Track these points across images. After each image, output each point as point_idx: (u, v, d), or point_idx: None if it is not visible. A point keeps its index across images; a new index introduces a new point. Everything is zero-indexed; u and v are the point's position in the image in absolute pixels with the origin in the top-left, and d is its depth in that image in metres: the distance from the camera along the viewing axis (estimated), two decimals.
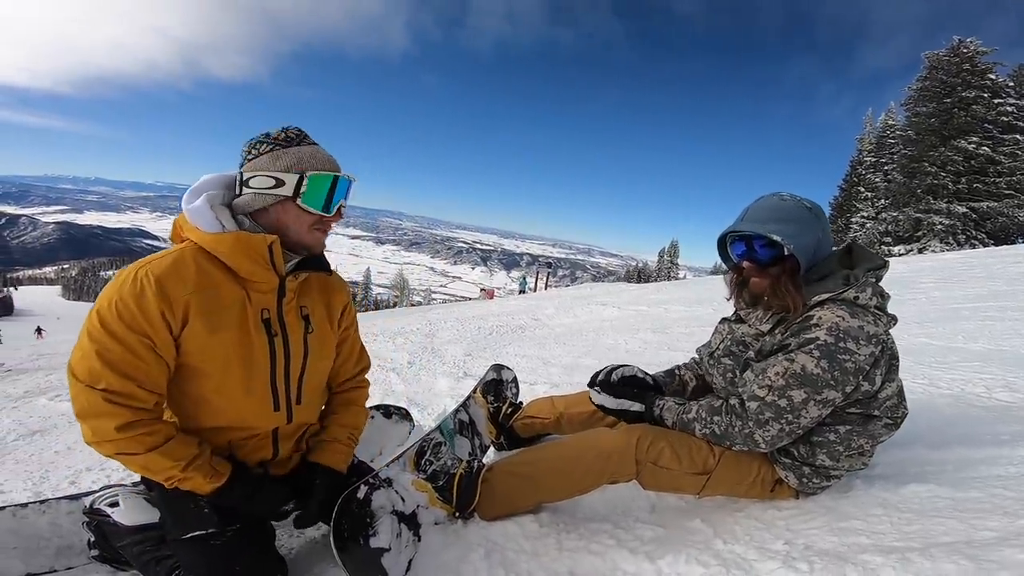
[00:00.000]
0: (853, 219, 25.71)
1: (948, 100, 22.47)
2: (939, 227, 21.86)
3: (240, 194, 1.31)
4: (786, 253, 1.43)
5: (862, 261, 1.51)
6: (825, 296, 1.40)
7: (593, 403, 1.75)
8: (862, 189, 26.54)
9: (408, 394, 3.53)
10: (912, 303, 5.66)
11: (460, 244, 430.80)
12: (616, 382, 1.76)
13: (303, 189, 1.27)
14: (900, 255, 18.60)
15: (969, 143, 21.83)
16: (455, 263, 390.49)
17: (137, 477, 1.53)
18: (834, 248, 1.54)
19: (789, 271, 1.44)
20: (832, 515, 1.45)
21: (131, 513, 1.44)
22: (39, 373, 7.53)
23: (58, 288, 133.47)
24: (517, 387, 2.36)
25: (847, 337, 1.34)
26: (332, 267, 1.49)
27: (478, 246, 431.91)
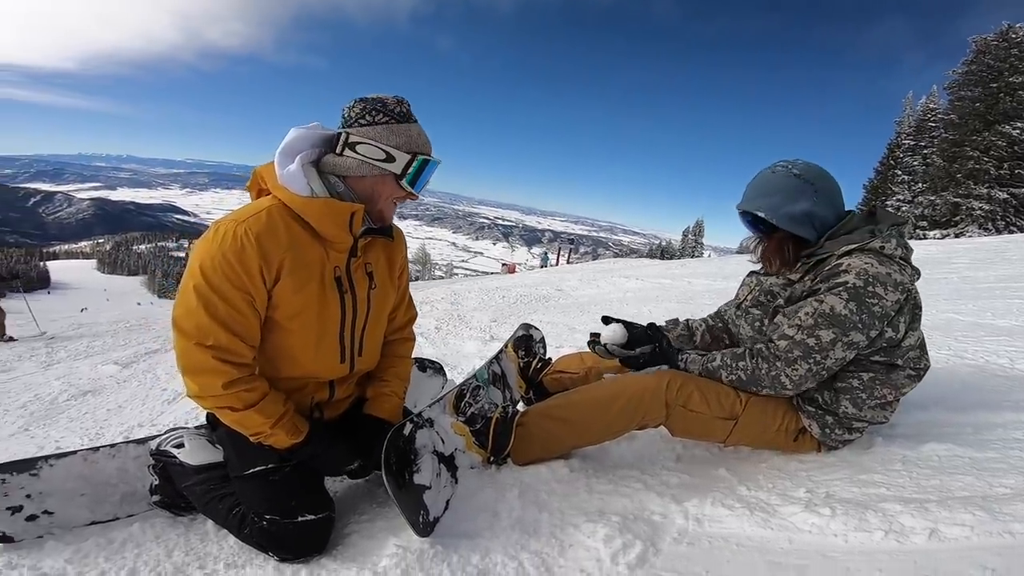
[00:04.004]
0: (888, 202, 25.05)
1: (994, 85, 21.65)
2: (978, 212, 21.18)
3: (340, 154, 1.34)
4: (775, 223, 1.54)
5: (886, 219, 1.58)
6: (852, 246, 1.47)
7: (607, 350, 1.79)
8: (899, 172, 25.81)
9: (437, 356, 3.63)
10: (944, 281, 5.57)
11: (482, 220, 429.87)
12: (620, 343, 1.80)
13: (410, 170, 1.34)
14: (937, 239, 18.15)
15: (1014, 128, 20.99)
16: (477, 238, 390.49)
17: (199, 419, 1.64)
18: (854, 210, 1.62)
19: (784, 237, 1.56)
20: (853, 468, 1.51)
21: (196, 453, 1.52)
22: (81, 340, 7.94)
23: (93, 262, 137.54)
24: (545, 347, 2.42)
25: (875, 282, 1.41)
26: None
27: (500, 222, 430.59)
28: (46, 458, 1.49)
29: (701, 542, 1.27)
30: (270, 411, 1.31)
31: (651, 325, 1.88)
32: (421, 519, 1.33)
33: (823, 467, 1.55)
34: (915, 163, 25.32)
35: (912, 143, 25.92)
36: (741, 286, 1.82)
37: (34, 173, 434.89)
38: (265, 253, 1.24)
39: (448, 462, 1.57)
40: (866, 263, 1.42)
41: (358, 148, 1.32)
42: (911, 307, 1.51)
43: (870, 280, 1.41)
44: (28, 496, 1.42)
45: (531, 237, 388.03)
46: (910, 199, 24.66)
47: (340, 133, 1.34)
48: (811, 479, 1.48)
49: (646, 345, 1.77)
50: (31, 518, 1.41)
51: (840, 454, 1.61)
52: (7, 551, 1.35)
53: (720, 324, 1.92)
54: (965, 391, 2.02)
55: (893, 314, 1.45)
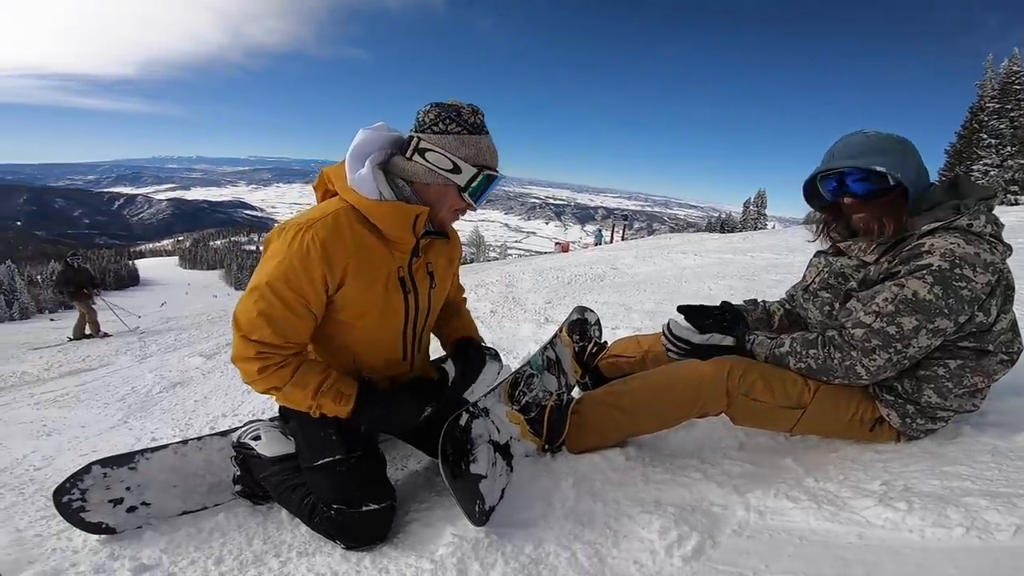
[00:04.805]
0: (974, 167, 23.37)
1: None
2: None
3: (410, 158, 1.36)
4: (891, 183, 1.38)
5: (971, 192, 1.43)
6: (936, 224, 1.35)
7: (671, 338, 1.69)
8: (984, 136, 23.92)
9: (493, 340, 3.68)
10: None
11: (533, 200, 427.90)
12: (693, 315, 1.75)
13: (474, 183, 1.35)
14: None
15: None
16: (529, 219, 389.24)
17: (274, 410, 1.74)
18: (935, 182, 1.48)
19: (896, 199, 1.40)
20: (936, 459, 1.40)
21: (271, 445, 1.62)
22: (170, 334, 8.58)
23: (175, 259, 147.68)
24: (600, 329, 2.38)
25: (963, 263, 1.29)
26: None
27: (551, 201, 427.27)
28: (142, 452, 1.62)
29: (762, 535, 1.23)
30: (304, 381, 1.34)
31: (725, 303, 1.81)
32: (477, 508, 1.35)
33: (902, 457, 1.45)
34: (1002, 126, 23.58)
35: (997, 106, 24.07)
36: (808, 267, 1.71)
37: (115, 178, 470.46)
38: (330, 259, 1.28)
39: (503, 451, 1.59)
40: (952, 243, 1.30)
41: (427, 155, 1.33)
42: (1003, 288, 1.37)
43: (957, 262, 1.28)
44: (128, 488, 1.55)
45: (584, 215, 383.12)
46: (999, 163, 23.06)
47: (412, 137, 1.36)
48: (888, 470, 1.39)
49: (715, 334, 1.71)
50: (131, 509, 1.54)
51: (922, 444, 1.50)
52: (110, 543, 1.47)
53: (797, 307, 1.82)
54: None
55: (984, 297, 1.32)
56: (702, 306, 1.80)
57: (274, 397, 1.41)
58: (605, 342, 2.21)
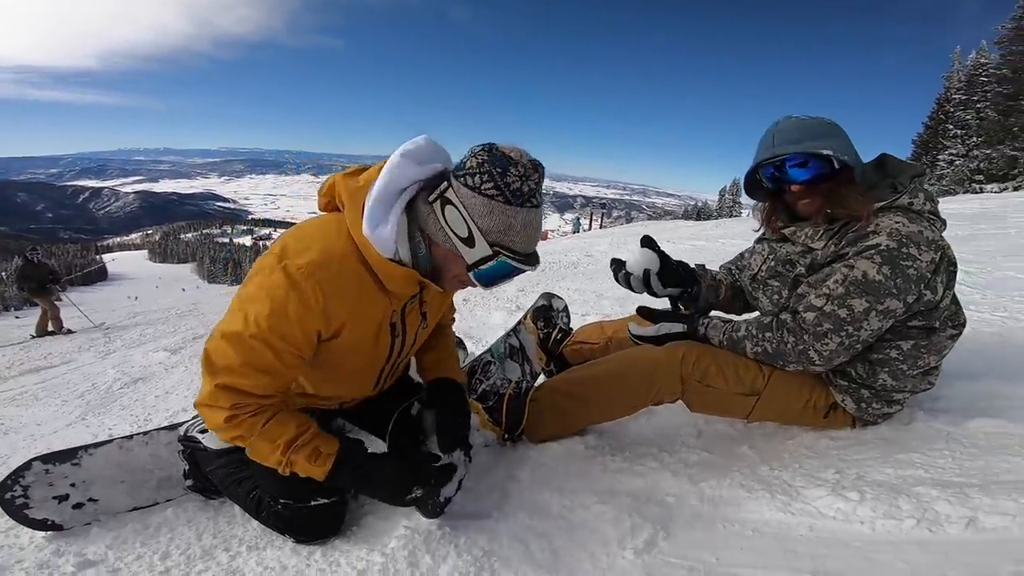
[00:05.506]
0: (940, 156, 24.43)
1: None
2: None
3: (431, 203, 1.14)
4: (836, 166, 1.37)
5: (902, 170, 1.43)
6: (878, 204, 1.35)
7: (632, 335, 1.67)
8: (951, 127, 24.91)
9: (463, 329, 3.65)
10: (1000, 237, 5.21)
11: None
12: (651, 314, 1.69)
13: (484, 266, 1.14)
14: (994, 193, 17.31)
15: None
16: None
17: None
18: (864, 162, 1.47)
19: (845, 182, 1.38)
20: (890, 446, 1.42)
21: (218, 437, 1.51)
22: (136, 329, 8.35)
23: (144, 252, 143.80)
24: (568, 316, 2.35)
25: (909, 242, 1.29)
26: None
27: None
28: (85, 447, 1.55)
29: (715, 526, 1.22)
30: (276, 434, 1.18)
31: (681, 263, 1.73)
32: (430, 501, 1.32)
33: (857, 444, 1.46)
34: (968, 117, 24.56)
35: (963, 98, 25.06)
36: (752, 255, 1.68)
37: (79, 171, 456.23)
38: (330, 312, 1.13)
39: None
40: (897, 222, 1.31)
41: (447, 210, 1.12)
42: (946, 265, 1.37)
43: (904, 241, 1.29)
44: (73, 485, 1.49)
45: (563, 203, 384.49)
46: (964, 153, 24.02)
47: (448, 178, 1.14)
48: (842, 459, 1.40)
49: (674, 288, 1.68)
50: (78, 506, 1.48)
51: (877, 430, 1.51)
52: (56, 539, 1.42)
53: (738, 282, 1.78)
54: (1020, 360, 1.87)
55: (929, 276, 1.32)
56: (665, 254, 1.72)
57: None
58: (571, 328, 2.19)
